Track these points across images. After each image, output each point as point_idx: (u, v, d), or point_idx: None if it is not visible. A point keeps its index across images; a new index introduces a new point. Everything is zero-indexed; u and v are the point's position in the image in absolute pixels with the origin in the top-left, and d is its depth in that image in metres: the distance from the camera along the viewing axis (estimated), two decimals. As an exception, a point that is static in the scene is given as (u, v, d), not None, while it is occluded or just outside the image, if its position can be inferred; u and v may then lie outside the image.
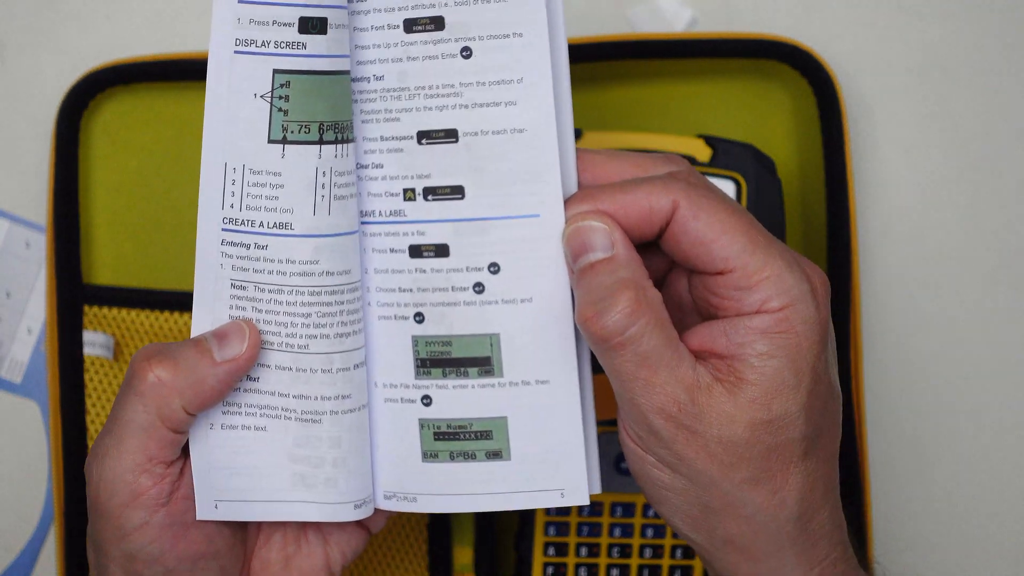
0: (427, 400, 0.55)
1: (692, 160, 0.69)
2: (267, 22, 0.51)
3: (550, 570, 0.69)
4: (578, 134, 0.69)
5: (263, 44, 0.51)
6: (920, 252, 0.74)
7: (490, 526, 0.71)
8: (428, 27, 0.52)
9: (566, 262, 0.52)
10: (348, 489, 0.55)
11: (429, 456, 0.55)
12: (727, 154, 0.69)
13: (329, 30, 0.51)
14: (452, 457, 0.55)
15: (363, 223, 0.54)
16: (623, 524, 0.69)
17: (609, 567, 0.69)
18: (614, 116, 0.72)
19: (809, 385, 0.50)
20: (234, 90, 0.52)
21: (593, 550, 0.69)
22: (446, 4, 0.52)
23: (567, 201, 0.52)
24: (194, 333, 0.54)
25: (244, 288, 0.53)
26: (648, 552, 0.69)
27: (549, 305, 0.53)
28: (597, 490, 0.55)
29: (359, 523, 0.58)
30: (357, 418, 0.55)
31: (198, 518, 0.54)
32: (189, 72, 0.71)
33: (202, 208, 0.53)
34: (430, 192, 0.53)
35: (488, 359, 0.54)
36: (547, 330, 0.53)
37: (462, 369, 0.54)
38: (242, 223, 0.53)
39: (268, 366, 0.54)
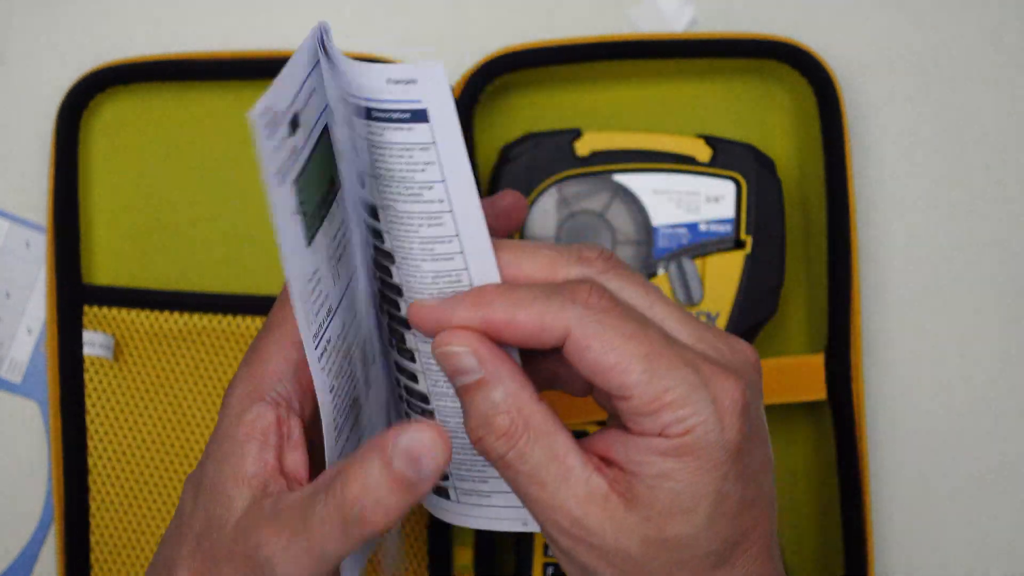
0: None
1: (692, 160, 0.69)
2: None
3: (550, 570, 0.69)
4: (578, 134, 0.69)
5: (285, 167, 0.48)
6: (920, 252, 0.73)
7: (490, 526, 0.71)
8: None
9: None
10: None
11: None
12: (727, 154, 0.69)
13: (300, 121, 0.50)
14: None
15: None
16: (623, 524, 0.69)
17: (609, 567, 0.69)
18: (614, 116, 0.72)
19: (710, 507, 0.48)
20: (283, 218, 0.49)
21: (593, 550, 0.69)
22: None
23: (455, 299, 0.50)
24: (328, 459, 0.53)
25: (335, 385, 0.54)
26: (648, 552, 0.69)
27: None
28: None
29: None
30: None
31: None
32: (189, 72, 0.71)
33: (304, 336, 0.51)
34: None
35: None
36: None
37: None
38: (318, 337, 0.52)
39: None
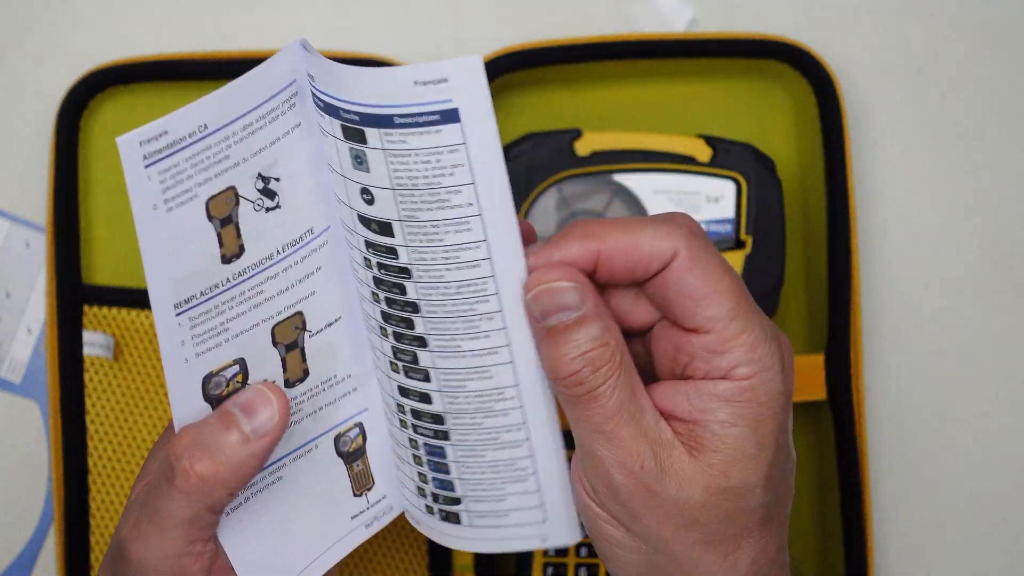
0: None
1: (692, 160, 0.69)
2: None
3: (550, 570, 0.69)
4: (578, 134, 0.69)
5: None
6: (920, 252, 0.73)
7: (490, 526, 0.71)
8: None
9: (530, 319, 0.50)
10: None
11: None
12: (727, 154, 0.69)
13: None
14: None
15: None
16: (623, 524, 0.69)
17: (609, 567, 0.69)
18: (614, 116, 0.72)
19: (770, 456, 0.50)
20: None
21: (593, 550, 0.69)
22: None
23: (559, 237, 0.51)
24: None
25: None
26: (648, 552, 0.69)
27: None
28: (578, 536, 0.55)
29: None
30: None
31: None
32: (189, 72, 0.71)
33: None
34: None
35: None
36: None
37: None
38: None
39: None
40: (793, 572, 0.54)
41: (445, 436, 0.54)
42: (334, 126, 0.49)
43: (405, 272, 0.51)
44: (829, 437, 0.71)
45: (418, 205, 0.49)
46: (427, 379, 0.53)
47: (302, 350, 0.54)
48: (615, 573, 0.52)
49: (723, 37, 0.70)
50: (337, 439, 0.56)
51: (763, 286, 0.69)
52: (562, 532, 0.55)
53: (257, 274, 0.51)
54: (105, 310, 0.72)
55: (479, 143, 0.47)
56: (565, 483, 0.54)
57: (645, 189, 0.69)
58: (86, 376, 0.72)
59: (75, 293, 0.72)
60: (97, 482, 0.72)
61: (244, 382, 0.52)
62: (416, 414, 0.54)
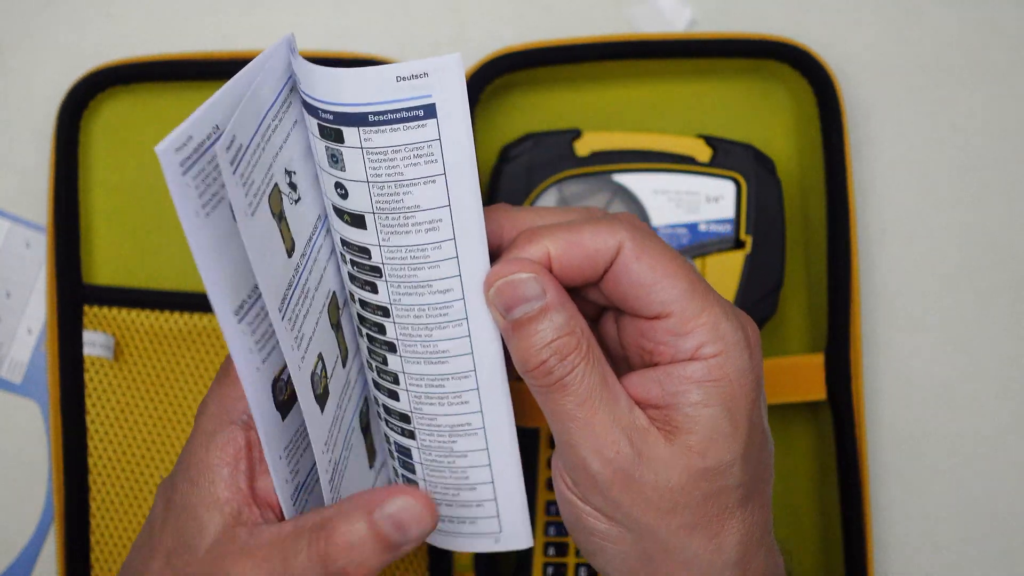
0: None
1: (692, 160, 0.69)
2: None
3: (550, 570, 0.69)
4: (578, 134, 0.69)
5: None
6: (920, 252, 0.74)
7: (490, 526, 0.71)
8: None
9: (495, 315, 0.51)
10: None
11: None
12: (727, 154, 0.69)
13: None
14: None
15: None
16: (623, 524, 0.69)
17: (609, 567, 0.69)
18: (614, 116, 0.72)
19: (745, 434, 0.50)
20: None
21: (593, 550, 0.69)
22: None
23: (512, 244, 0.52)
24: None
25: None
26: (648, 552, 0.69)
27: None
28: (531, 540, 0.56)
29: None
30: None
31: None
32: (189, 72, 0.71)
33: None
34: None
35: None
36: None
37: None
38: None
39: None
40: (785, 559, 0.54)
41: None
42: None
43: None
44: (829, 437, 0.71)
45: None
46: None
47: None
48: (603, 569, 0.52)
49: (723, 37, 0.70)
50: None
51: (763, 286, 0.69)
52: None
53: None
54: (105, 310, 0.72)
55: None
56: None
57: (645, 189, 0.69)
58: (86, 376, 0.72)
59: (75, 293, 0.72)
60: (97, 482, 0.72)
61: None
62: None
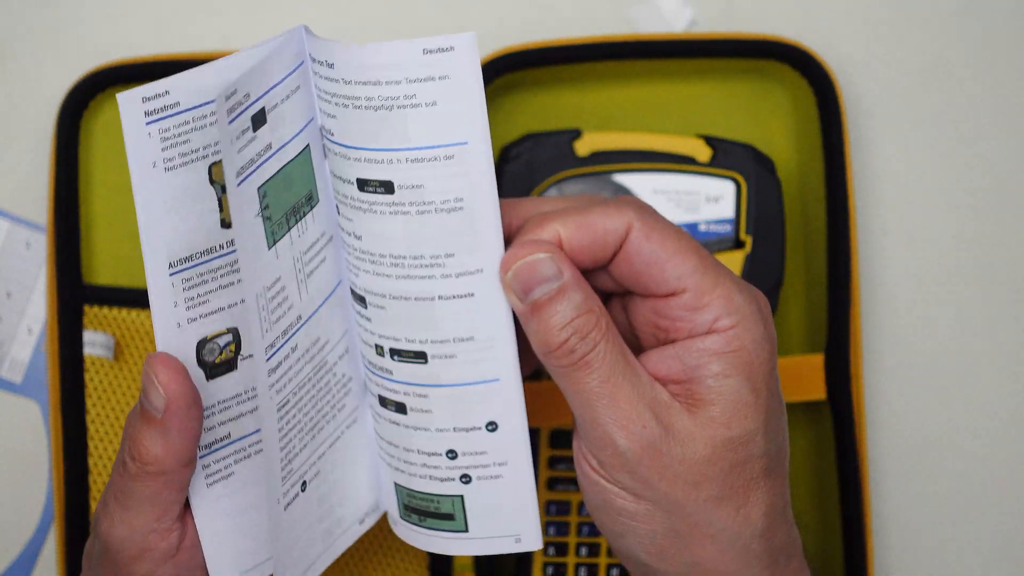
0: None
1: (692, 160, 0.69)
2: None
3: (550, 570, 0.69)
4: (578, 134, 0.69)
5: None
6: (920, 252, 0.73)
7: (490, 526, 0.71)
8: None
9: (512, 299, 0.51)
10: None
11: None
12: (727, 154, 0.69)
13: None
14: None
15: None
16: (623, 524, 0.69)
17: (609, 567, 0.69)
18: (614, 116, 0.72)
19: (766, 402, 0.51)
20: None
21: (593, 550, 0.69)
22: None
23: (524, 228, 0.52)
24: None
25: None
26: (648, 552, 0.69)
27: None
28: (541, 542, 0.56)
29: None
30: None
31: None
32: (189, 72, 0.71)
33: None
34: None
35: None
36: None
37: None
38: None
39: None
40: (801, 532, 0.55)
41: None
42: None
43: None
44: (829, 437, 0.71)
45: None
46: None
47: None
48: (629, 550, 0.52)
49: (723, 37, 0.70)
50: None
51: (763, 286, 0.69)
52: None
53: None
54: (105, 310, 0.72)
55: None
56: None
57: (645, 189, 0.69)
58: (86, 376, 0.72)
59: (75, 293, 0.72)
60: (97, 482, 0.72)
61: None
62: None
